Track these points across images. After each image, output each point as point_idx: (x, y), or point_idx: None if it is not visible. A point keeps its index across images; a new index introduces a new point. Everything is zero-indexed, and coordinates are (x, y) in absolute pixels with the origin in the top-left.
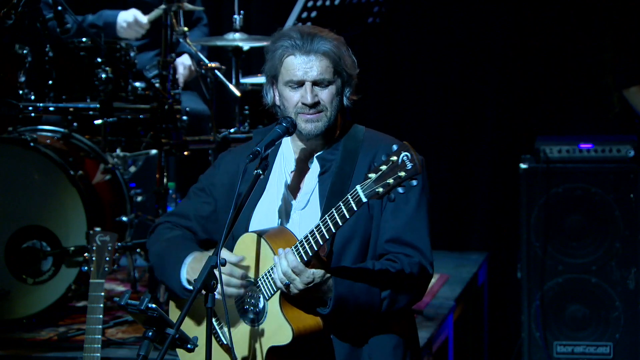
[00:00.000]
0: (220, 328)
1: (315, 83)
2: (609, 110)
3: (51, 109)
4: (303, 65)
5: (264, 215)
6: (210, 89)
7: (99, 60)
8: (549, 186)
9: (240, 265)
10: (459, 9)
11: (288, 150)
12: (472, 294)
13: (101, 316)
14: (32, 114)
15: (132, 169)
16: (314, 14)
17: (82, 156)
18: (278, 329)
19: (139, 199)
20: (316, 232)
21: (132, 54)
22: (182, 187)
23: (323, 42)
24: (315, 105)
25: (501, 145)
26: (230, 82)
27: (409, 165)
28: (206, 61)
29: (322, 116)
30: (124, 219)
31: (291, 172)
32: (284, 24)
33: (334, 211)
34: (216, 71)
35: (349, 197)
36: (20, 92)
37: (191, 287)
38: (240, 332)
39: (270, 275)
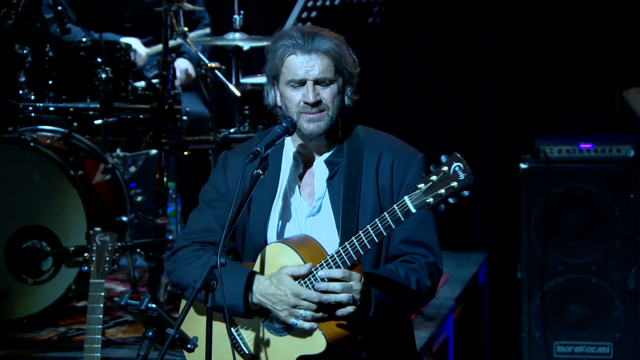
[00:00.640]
0: (241, 338)
1: (316, 82)
2: (610, 110)
3: (51, 109)
4: (304, 64)
5: (281, 221)
6: (210, 89)
7: (99, 60)
8: (549, 186)
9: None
10: (459, 9)
11: (293, 153)
12: (472, 294)
13: (101, 316)
14: (32, 114)
15: (132, 169)
16: (314, 14)
17: (82, 156)
18: (309, 337)
19: (139, 199)
20: (356, 242)
21: (132, 54)
22: (182, 187)
23: (324, 40)
24: (317, 104)
25: (501, 145)
26: (230, 82)
27: (462, 176)
28: (206, 61)
29: (324, 115)
30: (124, 219)
31: (299, 175)
32: (284, 24)
33: (378, 222)
34: (216, 71)
35: (396, 207)
36: (20, 92)
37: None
38: (264, 342)
39: (306, 284)
